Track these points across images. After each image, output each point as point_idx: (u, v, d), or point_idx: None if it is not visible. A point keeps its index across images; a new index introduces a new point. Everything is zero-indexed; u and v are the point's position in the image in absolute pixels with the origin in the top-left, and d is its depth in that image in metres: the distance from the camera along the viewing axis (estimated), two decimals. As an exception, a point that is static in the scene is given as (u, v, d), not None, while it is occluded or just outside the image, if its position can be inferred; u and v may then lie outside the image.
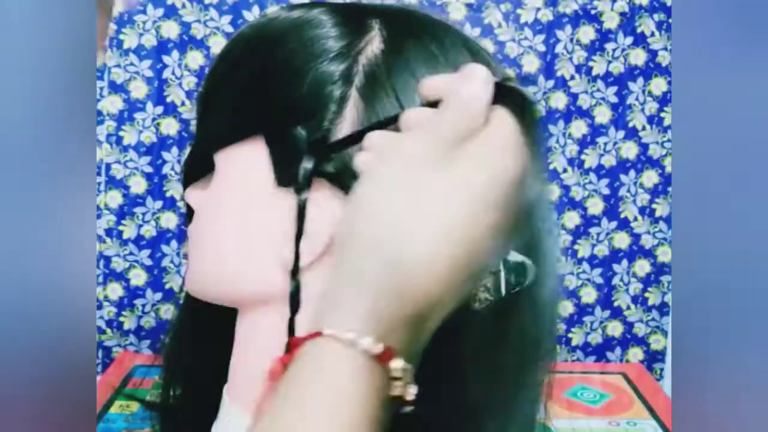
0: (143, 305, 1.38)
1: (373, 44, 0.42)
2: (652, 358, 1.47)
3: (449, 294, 0.32)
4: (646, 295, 1.45)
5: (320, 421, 0.30)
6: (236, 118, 0.43)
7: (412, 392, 0.31)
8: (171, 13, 1.32)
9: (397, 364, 0.31)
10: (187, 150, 1.48)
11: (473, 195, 0.33)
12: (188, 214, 0.49)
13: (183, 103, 1.34)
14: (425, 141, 0.34)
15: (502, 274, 0.39)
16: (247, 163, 0.42)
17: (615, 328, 1.46)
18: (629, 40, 1.38)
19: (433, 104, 0.36)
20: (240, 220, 0.43)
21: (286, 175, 0.41)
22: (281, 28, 0.43)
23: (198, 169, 0.47)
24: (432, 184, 0.33)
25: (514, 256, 0.39)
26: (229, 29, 1.33)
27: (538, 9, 1.36)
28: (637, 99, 1.40)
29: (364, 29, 0.42)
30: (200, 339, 0.52)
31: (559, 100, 1.39)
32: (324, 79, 0.40)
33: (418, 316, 0.32)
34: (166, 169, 1.35)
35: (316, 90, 0.40)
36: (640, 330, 1.46)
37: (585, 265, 1.43)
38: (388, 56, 0.41)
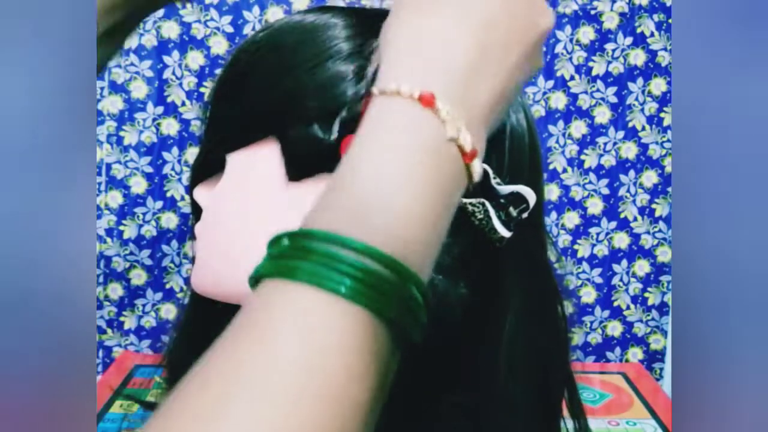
0: (144, 305, 1.38)
1: None
2: (652, 357, 1.47)
3: (483, 60, 0.34)
4: (646, 295, 1.45)
5: (364, 157, 0.31)
6: (252, 119, 0.43)
7: (468, 141, 0.32)
8: (171, 13, 1.32)
9: (441, 105, 0.32)
10: (188, 150, 1.47)
11: None
12: (194, 213, 0.49)
13: (183, 104, 1.34)
14: None
15: (489, 206, 0.39)
16: (258, 161, 0.43)
17: (615, 328, 1.46)
18: (629, 40, 1.38)
19: None
20: (250, 217, 0.43)
21: (298, 170, 0.41)
22: (294, 32, 0.44)
23: (208, 169, 0.47)
24: None
25: (504, 189, 0.40)
26: (230, 29, 1.32)
27: (538, 9, 1.36)
28: (636, 99, 1.40)
29: (376, 30, 0.43)
30: (203, 337, 0.52)
31: (558, 101, 1.39)
32: (338, 77, 0.41)
33: (461, 71, 0.33)
34: (166, 170, 1.35)
35: (330, 88, 0.40)
36: (639, 330, 1.46)
37: (585, 265, 1.43)
38: None
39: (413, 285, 0.30)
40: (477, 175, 0.34)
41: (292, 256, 0.29)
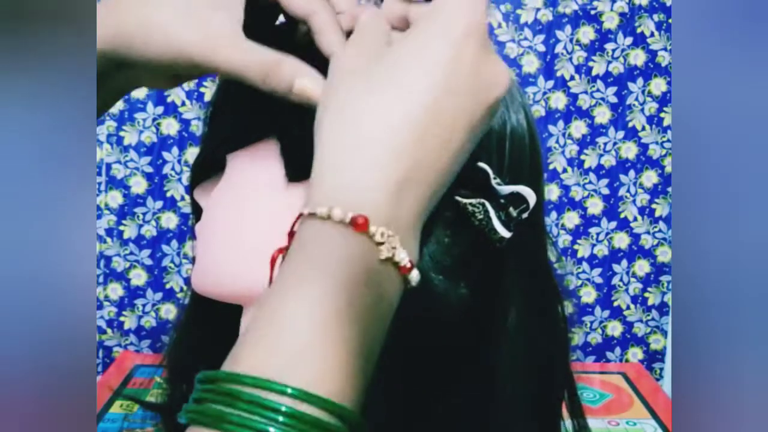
0: (144, 305, 1.38)
1: None
2: (652, 357, 1.47)
3: (419, 160, 0.32)
4: (646, 295, 1.45)
5: (298, 290, 0.30)
6: (251, 120, 0.44)
7: (403, 257, 0.31)
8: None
9: (374, 229, 0.30)
10: (189, 150, 1.47)
11: (427, 61, 0.32)
12: (195, 213, 0.49)
13: (183, 104, 1.34)
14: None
15: (489, 206, 0.39)
16: (258, 161, 0.43)
17: (615, 328, 1.46)
18: (629, 40, 1.38)
19: None
20: (251, 217, 0.43)
21: (297, 171, 0.41)
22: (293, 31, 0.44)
23: (208, 169, 0.47)
24: (382, 64, 0.33)
25: (504, 189, 0.40)
26: (229, 29, 1.33)
27: (538, 9, 1.36)
28: (636, 99, 1.40)
29: None
30: (204, 337, 0.52)
31: (558, 101, 1.39)
32: None
33: (392, 183, 0.31)
34: (166, 169, 1.35)
35: None
36: (639, 330, 1.46)
37: (585, 265, 1.43)
38: None
39: (351, 424, 0.28)
40: (415, 282, 0.32)
41: (219, 401, 0.27)
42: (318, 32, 0.40)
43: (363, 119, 0.32)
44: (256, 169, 0.43)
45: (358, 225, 0.30)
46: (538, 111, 1.38)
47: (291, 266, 0.31)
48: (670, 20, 1.39)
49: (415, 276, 0.32)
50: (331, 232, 0.31)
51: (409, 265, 0.32)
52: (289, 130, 0.42)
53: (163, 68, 0.39)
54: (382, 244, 0.31)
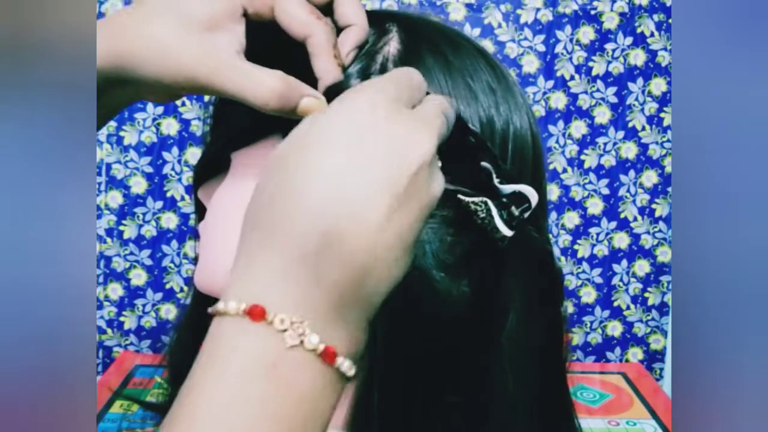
0: (144, 305, 1.38)
1: (391, 45, 0.42)
2: (652, 358, 1.47)
3: (329, 236, 0.30)
4: (646, 295, 1.45)
5: (205, 392, 0.30)
6: (255, 118, 0.44)
7: (315, 342, 0.30)
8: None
9: (272, 317, 0.30)
10: (189, 150, 1.47)
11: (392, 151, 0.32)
12: (198, 213, 0.49)
13: (183, 104, 1.34)
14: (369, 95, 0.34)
15: (491, 205, 0.39)
16: (262, 159, 0.43)
17: (615, 328, 1.46)
18: (629, 40, 1.38)
19: None
20: None
21: None
22: None
23: (212, 169, 0.47)
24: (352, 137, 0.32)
25: (506, 188, 0.40)
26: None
27: (538, 9, 1.36)
28: (636, 99, 1.40)
29: (382, 32, 0.43)
30: (204, 337, 0.53)
31: (558, 101, 1.39)
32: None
33: (295, 264, 0.30)
34: (166, 170, 1.35)
35: (333, 87, 0.41)
36: (639, 330, 1.46)
37: (585, 265, 1.43)
38: (405, 57, 0.42)
39: None
40: (350, 371, 0.31)
41: None
42: (312, 55, 0.40)
43: (270, 207, 0.31)
44: (260, 167, 0.43)
45: (255, 314, 0.30)
46: (538, 111, 1.38)
47: (196, 370, 0.31)
48: (670, 20, 1.38)
49: (344, 364, 0.31)
50: (230, 328, 0.30)
51: (328, 351, 0.30)
52: (293, 128, 0.42)
53: (166, 87, 0.39)
54: (284, 331, 0.30)
